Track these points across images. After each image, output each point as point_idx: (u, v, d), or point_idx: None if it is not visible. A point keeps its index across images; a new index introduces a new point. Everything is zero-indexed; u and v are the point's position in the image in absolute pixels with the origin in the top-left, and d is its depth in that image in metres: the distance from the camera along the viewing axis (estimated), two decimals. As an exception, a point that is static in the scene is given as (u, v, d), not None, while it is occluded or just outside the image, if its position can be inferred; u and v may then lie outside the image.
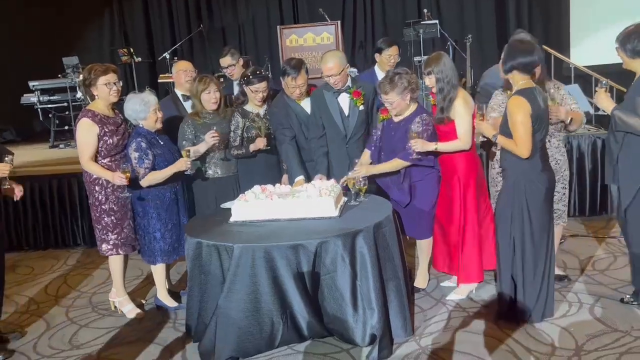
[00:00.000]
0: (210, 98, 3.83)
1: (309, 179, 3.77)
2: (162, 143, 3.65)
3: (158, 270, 3.76)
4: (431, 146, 3.40)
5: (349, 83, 3.81)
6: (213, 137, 3.73)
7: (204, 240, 2.94)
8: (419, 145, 3.36)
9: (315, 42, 5.50)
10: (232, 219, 3.18)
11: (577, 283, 3.79)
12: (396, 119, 3.58)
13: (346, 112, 3.81)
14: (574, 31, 7.93)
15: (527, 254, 3.14)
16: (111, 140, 3.57)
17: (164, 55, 7.61)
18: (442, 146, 3.43)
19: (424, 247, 3.77)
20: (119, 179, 3.39)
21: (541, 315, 3.22)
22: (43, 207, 5.38)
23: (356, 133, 3.83)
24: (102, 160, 3.57)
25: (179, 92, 4.36)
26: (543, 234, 3.14)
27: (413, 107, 3.54)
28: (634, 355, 2.88)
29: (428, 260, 3.81)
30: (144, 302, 4.01)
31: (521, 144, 2.99)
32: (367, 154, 3.68)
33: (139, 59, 7.82)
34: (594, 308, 3.42)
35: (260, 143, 3.79)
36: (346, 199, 3.42)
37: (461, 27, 8.40)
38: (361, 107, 3.81)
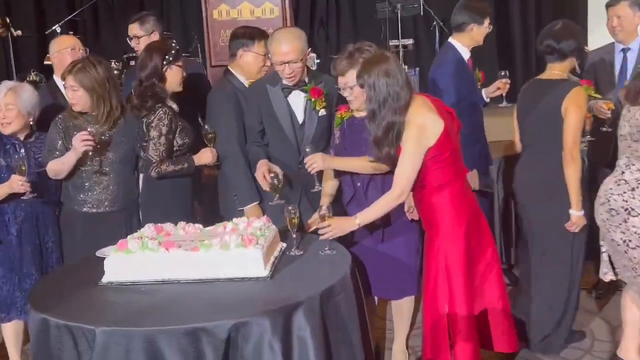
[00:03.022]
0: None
1: None
2: (14, 153, 3.30)
3: (9, 334, 3.44)
4: (352, 225, 2.89)
5: (305, 77, 3.33)
6: (84, 141, 3.17)
7: (52, 319, 2.29)
8: (335, 229, 2.81)
9: (253, 15, 4.93)
10: (104, 279, 2.58)
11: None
12: (359, 114, 3.11)
13: (300, 117, 3.39)
14: (592, 15, 7.66)
15: None
16: None
17: (54, 28, 6.94)
18: (367, 216, 2.90)
19: (404, 310, 3.34)
20: None
21: None
22: None
23: (317, 147, 3.28)
24: None
25: (59, 81, 3.82)
26: None
27: None
28: None
29: (408, 329, 3.39)
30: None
31: None
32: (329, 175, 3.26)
33: (18, 32, 7.11)
34: None
35: (207, 155, 3.39)
36: (284, 245, 2.85)
37: (449, 3, 7.95)
38: (322, 112, 3.35)
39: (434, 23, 7.10)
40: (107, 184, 3.35)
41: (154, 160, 3.25)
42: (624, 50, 4.00)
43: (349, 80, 3.00)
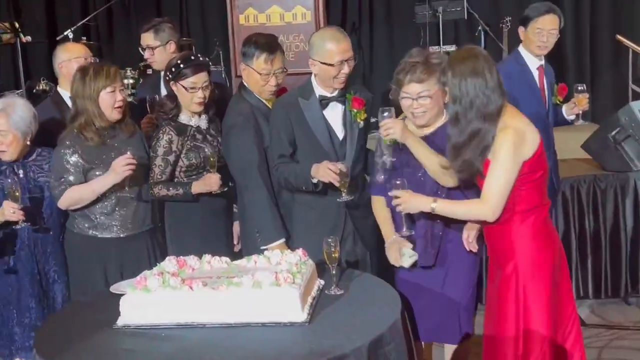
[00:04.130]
0: (113, 101, 3.20)
1: None
2: (11, 175, 3.19)
3: None
4: (426, 205, 2.76)
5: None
6: (128, 164, 3.08)
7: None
8: (406, 201, 2.76)
9: (283, 21, 4.83)
10: (119, 321, 2.44)
11: None
12: (423, 131, 2.99)
13: (340, 133, 3.26)
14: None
15: None
16: None
17: (66, 33, 6.97)
18: (448, 208, 2.77)
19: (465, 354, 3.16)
20: None
21: None
22: None
23: (354, 167, 3.21)
24: None
25: (66, 93, 3.71)
26: None
27: (444, 116, 2.98)
28: None
29: None
30: None
31: None
32: (380, 202, 3.10)
33: (28, 38, 7.14)
34: None
35: (214, 182, 3.25)
36: (322, 282, 2.70)
37: (496, 6, 7.91)
38: (361, 125, 3.27)
39: (479, 28, 7.00)
40: (122, 206, 3.26)
41: (150, 181, 3.27)
42: None
43: (426, 89, 2.86)
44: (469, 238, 2.92)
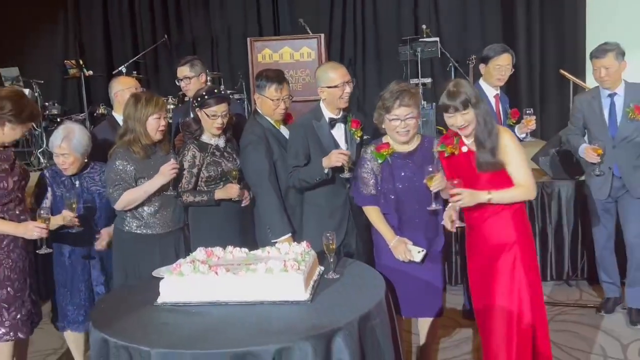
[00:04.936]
0: (159, 125, 3.14)
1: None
2: (70, 185, 3.19)
3: (70, 341, 3.33)
4: (483, 197, 2.66)
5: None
6: (173, 169, 3.09)
7: (111, 339, 2.12)
8: (466, 196, 2.62)
9: (293, 59, 4.81)
10: (159, 300, 2.39)
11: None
12: (404, 148, 2.95)
13: (343, 146, 3.23)
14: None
15: None
16: (4, 184, 2.79)
17: (120, 68, 6.92)
18: (500, 195, 2.67)
19: (435, 326, 3.11)
20: (37, 229, 2.74)
21: None
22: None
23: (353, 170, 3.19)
24: None
25: (119, 117, 3.60)
26: None
27: (419, 135, 3.01)
28: None
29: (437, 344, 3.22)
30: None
31: None
32: (376, 212, 2.97)
33: (90, 72, 7.08)
34: None
35: (234, 191, 3.19)
36: (322, 268, 2.65)
37: (464, 46, 7.78)
38: (357, 140, 3.23)
39: (450, 64, 6.87)
40: (164, 209, 3.19)
41: (179, 191, 3.20)
42: (611, 96, 3.67)
43: (411, 112, 2.84)
44: (452, 217, 2.78)
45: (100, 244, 3.21)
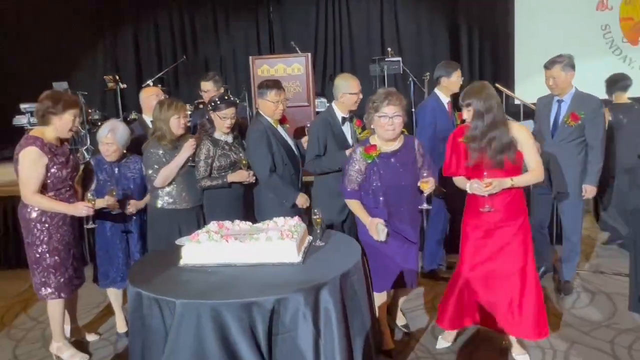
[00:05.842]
0: (180, 123, 3.14)
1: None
2: (111, 172, 3.14)
3: (111, 296, 3.28)
4: (508, 183, 2.58)
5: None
6: (192, 145, 3.12)
7: (144, 292, 2.09)
8: (496, 184, 2.52)
9: (285, 72, 4.74)
10: (181, 262, 2.36)
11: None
12: (389, 147, 2.74)
13: (350, 140, 3.25)
14: (519, 69, 7.42)
15: None
16: (60, 173, 2.73)
17: (148, 82, 6.79)
18: (519, 180, 2.61)
19: (406, 293, 3.05)
20: (85, 208, 2.70)
21: None
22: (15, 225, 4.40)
23: None
24: (47, 194, 2.73)
25: (147, 119, 3.62)
26: None
27: (402, 136, 2.80)
28: None
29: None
30: (99, 335, 3.21)
31: None
32: (356, 203, 2.79)
33: (124, 85, 6.96)
34: (569, 357, 2.67)
35: (245, 176, 3.18)
36: (311, 238, 2.63)
37: (420, 64, 7.76)
38: (358, 136, 3.24)
39: (410, 79, 6.84)
40: (189, 189, 3.18)
41: (198, 177, 3.15)
42: (559, 102, 3.54)
43: (398, 111, 2.69)
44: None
45: (129, 210, 3.16)
